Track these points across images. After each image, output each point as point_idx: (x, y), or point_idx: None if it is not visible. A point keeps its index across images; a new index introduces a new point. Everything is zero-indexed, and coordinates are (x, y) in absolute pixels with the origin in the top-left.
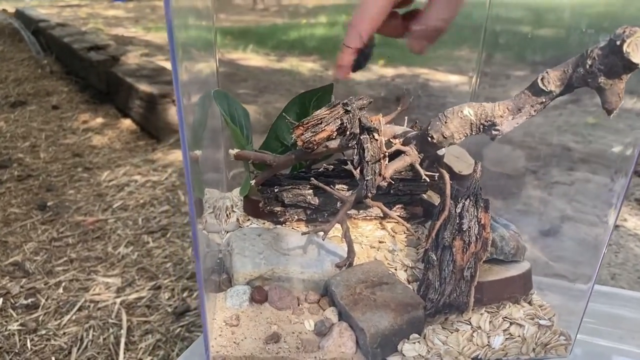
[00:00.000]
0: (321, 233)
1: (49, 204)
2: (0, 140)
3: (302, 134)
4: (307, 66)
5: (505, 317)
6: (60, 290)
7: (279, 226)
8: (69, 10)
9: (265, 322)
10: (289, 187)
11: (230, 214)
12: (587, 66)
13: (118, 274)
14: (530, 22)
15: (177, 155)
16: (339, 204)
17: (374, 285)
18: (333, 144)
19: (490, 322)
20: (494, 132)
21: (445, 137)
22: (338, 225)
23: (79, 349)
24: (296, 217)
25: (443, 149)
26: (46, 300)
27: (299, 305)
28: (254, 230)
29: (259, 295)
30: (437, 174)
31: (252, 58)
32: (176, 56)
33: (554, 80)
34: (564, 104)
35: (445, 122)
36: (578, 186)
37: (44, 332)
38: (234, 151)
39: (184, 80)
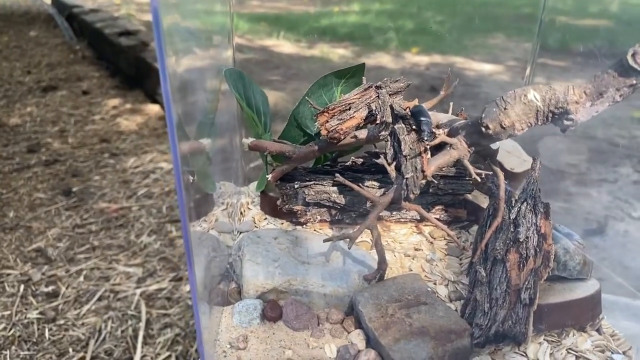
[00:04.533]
0: (347, 240)
1: (74, 189)
2: (30, 124)
3: (327, 122)
4: (338, 53)
5: (570, 349)
6: (81, 279)
7: (298, 227)
8: None
9: (278, 346)
10: (311, 183)
11: (245, 211)
12: None
13: (139, 263)
14: (573, 12)
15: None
16: (368, 204)
17: (410, 305)
18: (363, 134)
19: (551, 354)
20: (566, 123)
21: (503, 127)
22: (367, 230)
23: (96, 341)
24: (319, 217)
25: (498, 142)
26: (66, 288)
27: (318, 325)
28: (269, 232)
29: (272, 312)
30: (489, 172)
31: (283, 45)
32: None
33: None
34: None
35: (505, 109)
36: (622, 183)
37: (62, 321)
38: (248, 140)
39: (202, 67)
